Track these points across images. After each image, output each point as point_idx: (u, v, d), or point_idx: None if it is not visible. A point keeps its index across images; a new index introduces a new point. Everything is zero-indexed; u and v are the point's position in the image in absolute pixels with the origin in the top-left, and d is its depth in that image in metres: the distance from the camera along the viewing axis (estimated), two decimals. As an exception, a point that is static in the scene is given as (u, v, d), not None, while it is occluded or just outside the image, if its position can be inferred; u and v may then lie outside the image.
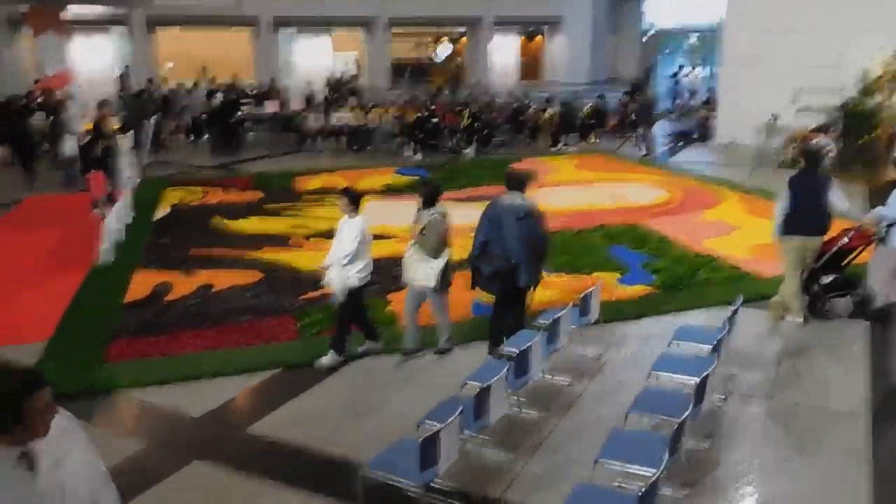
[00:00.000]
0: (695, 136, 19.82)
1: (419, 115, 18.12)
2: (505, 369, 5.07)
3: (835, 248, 7.49)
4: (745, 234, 10.33)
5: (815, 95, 14.96)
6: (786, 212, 7.28)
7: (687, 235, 10.27)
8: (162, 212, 12.26)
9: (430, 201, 6.58)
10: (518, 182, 6.42)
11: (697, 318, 7.40)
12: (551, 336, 6.02)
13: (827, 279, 7.56)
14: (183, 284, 8.74)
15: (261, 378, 6.45)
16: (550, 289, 8.08)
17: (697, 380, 4.91)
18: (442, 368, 6.61)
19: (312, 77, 27.30)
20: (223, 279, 8.87)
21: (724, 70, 19.13)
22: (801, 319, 7.41)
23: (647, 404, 5.06)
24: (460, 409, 4.46)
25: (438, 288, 6.54)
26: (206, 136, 19.58)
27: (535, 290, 6.60)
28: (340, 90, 24.60)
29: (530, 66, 41.21)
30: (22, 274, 9.26)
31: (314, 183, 14.32)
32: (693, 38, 41.75)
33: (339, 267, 6.40)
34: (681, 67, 27.22)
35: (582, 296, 6.61)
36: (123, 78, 25.49)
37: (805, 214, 7.21)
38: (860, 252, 7.63)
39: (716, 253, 9.50)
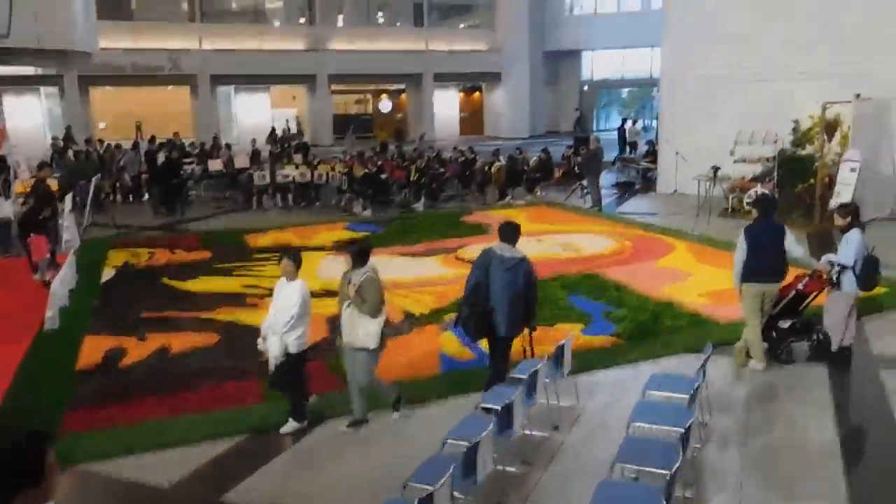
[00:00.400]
0: (637, 186, 20.38)
1: (367, 170, 18.14)
2: (491, 425, 4.99)
3: (791, 294, 7.72)
4: (699, 281, 10.54)
5: (751, 146, 15.60)
6: (744, 260, 7.48)
7: (643, 284, 10.40)
8: (108, 274, 11.87)
9: (360, 259, 6.31)
10: (510, 234, 6.55)
11: (665, 365, 7.48)
12: (529, 389, 5.99)
13: (785, 324, 7.76)
14: (137, 348, 8.42)
15: (229, 444, 6.20)
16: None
17: (682, 430, 4.92)
18: (410, 426, 6.49)
19: (254, 133, 27.21)
20: (179, 342, 8.58)
21: (664, 121, 19.78)
22: (763, 365, 7.56)
23: (632, 455, 5.03)
24: (452, 468, 4.36)
25: (379, 348, 6.34)
26: (147, 195, 19.20)
27: (531, 338, 6.73)
28: (284, 147, 24.51)
29: (471, 121, 41.98)
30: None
31: (264, 240, 14.14)
32: (625, 94, 43.40)
33: (279, 333, 6.20)
34: (624, 121, 28.14)
35: (556, 348, 6.62)
36: (65, 140, 24.83)
37: (762, 262, 7.41)
38: (815, 297, 7.88)
39: (674, 300, 9.65)
